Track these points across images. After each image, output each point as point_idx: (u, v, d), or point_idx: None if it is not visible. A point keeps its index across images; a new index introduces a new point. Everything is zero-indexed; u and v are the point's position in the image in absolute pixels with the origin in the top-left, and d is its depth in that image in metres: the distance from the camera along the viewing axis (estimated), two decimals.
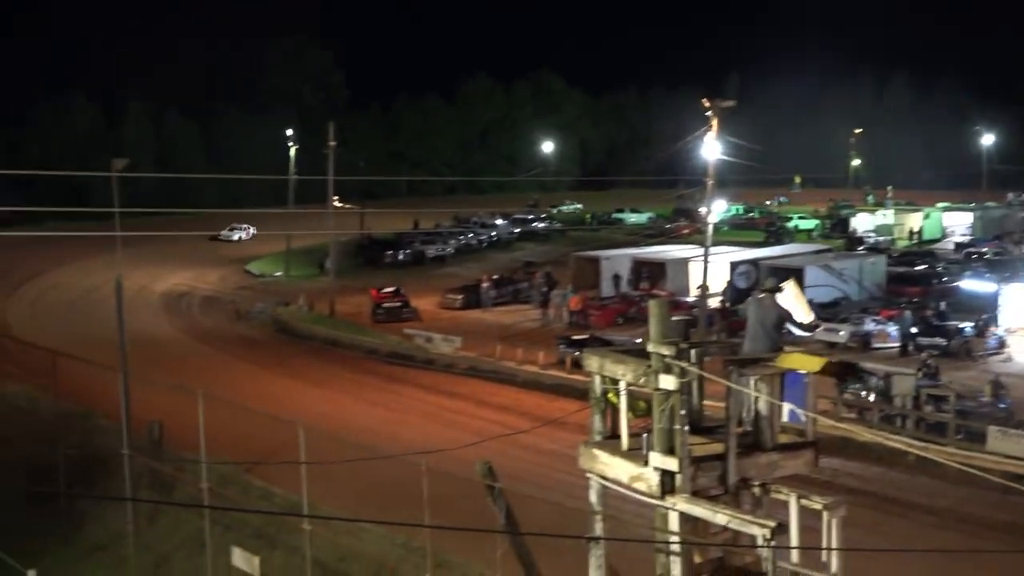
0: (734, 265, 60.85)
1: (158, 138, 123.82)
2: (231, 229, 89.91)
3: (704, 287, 47.79)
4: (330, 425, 29.32)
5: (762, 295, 14.91)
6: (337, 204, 69.90)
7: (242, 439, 25.45)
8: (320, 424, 26.93)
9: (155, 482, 25.10)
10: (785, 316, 14.38)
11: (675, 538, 13.09)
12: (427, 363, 47.10)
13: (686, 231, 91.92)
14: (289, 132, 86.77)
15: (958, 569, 20.85)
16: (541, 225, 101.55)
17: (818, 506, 12.84)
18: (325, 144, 64.86)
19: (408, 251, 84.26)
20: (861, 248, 77.87)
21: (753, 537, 12.44)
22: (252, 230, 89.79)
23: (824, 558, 12.65)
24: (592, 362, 14.20)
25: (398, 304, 58.06)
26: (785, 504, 13.17)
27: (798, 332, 15.24)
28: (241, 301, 65.23)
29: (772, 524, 11.96)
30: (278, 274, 77.92)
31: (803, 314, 14.83)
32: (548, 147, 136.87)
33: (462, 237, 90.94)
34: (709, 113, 42.02)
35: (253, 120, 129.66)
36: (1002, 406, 33.46)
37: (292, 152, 78.97)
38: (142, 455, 24.55)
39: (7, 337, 51.42)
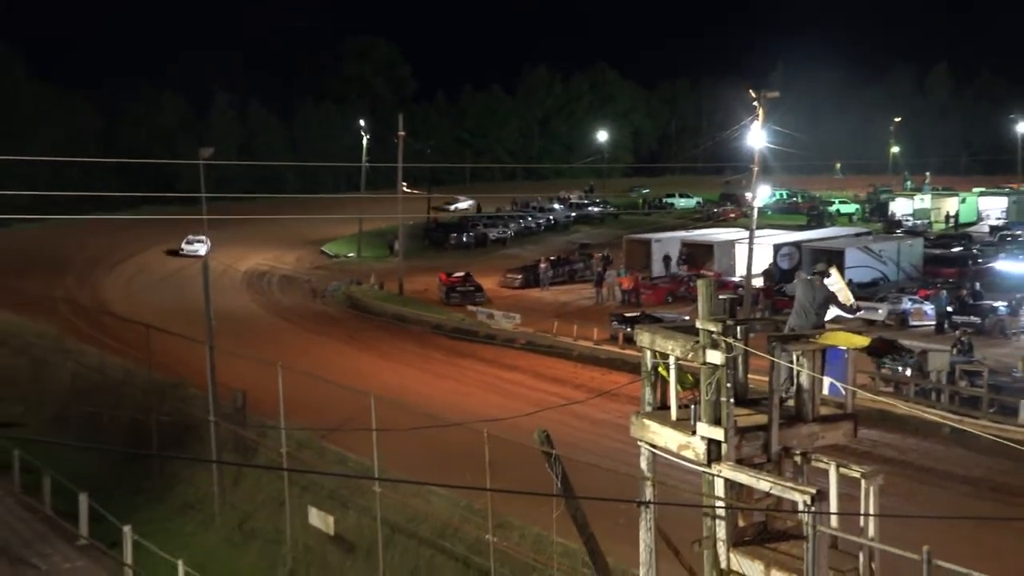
0: (777, 247, 60.38)
1: (242, 128, 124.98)
2: (189, 242, 73.03)
3: (768, 271, 47.34)
4: (399, 395, 29.54)
5: (811, 277, 14.84)
6: (406, 189, 70.23)
7: (318, 407, 25.69)
8: (389, 394, 27.15)
9: (239, 446, 25.44)
10: (831, 297, 14.32)
11: (720, 503, 13.07)
12: (488, 338, 47.25)
13: (732, 215, 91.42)
14: (361, 122, 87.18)
15: (992, 536, 20.63)
16: (596, 209, 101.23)
17: (857, 474, 12.76)
18: (395, 133, 65.27)
19: (471, 234, 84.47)
20: (899, 231, 77.01)
21: (794, 503, 12.38)
22: (208, 242, 69.92)
23: (862, 524, 12.57)
24: (643, 338, 14.18)
25: (471, 288, 57.88)
26: (825, 472, 13.10)
27: (842, 313, 15.17)
28: (317, 280, 65.86)
29: (812, 491, 11.90)
30: (351, 255, 78.57)
31: (846, 296, 14.74)
32: (603, 136, 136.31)
33: (523, 220, 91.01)
34: (755, 103, 41.71)
35: (329, 110, 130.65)
36: None
37: (364, 141, 79.40)
38: (227, 422, 24.86)
39: (106, 313, 52.33)
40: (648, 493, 14.04)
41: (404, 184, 68.82)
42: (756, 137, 43.15)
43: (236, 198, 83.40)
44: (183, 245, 73.24)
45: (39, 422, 31.72)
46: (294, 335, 48.40)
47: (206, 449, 24.49)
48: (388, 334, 49.25)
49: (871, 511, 12.55)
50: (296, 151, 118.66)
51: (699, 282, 13.57)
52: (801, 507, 11.99)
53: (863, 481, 12.68)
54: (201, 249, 69.78)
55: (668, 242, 67.55)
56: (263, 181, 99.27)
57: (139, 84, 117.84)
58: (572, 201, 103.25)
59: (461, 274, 60.32)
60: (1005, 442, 23.71)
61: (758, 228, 50.54)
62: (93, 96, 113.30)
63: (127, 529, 20.35)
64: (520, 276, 63.58)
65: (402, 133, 64.74)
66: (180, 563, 18.80)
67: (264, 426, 25.14)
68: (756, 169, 44.35)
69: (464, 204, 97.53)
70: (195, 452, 25.61)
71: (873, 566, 12.65)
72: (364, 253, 78.24)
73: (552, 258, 67.80)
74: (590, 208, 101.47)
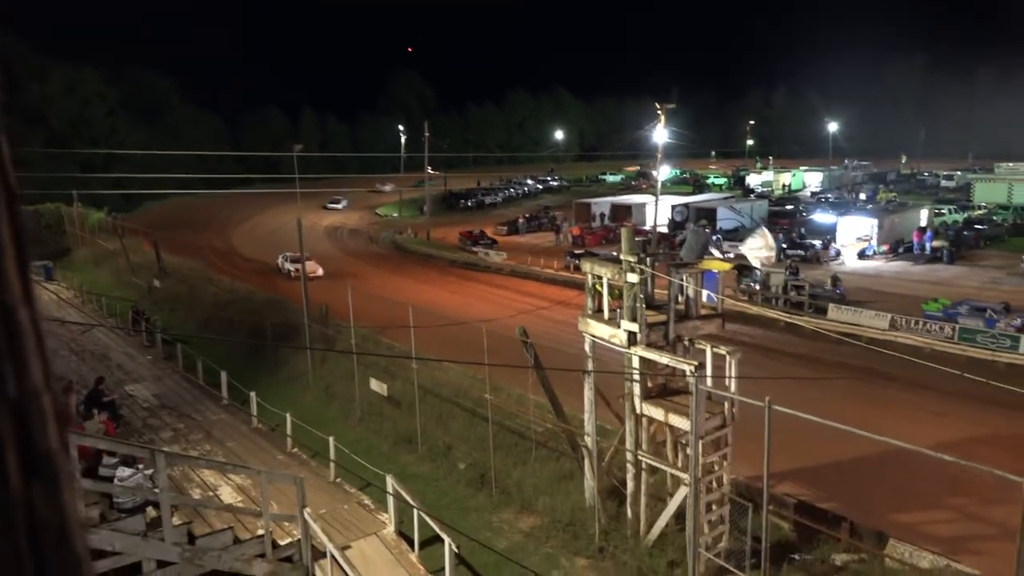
0: (674, 207, 60.22)
1: (321, 131, 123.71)
2: (285, 259, 44.77)
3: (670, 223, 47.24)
4: (427, 305, 29.56)
5: (697, 227, 14.85)
6: (430, 172, 69.65)
7: (375, 314, 25.72)
8: (421, 305, 27.13)
9: (324, 340, 25.48)
10: (708, 240, 14.33)
11: (636, 372, 13.17)
12: (485, 268, 47.17)
13: (644, 186, 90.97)
14: (400, 127, 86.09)
15: (809, 389, 20.91)
16: (555, 183, 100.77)
17: (724, 352, 12.86)
18: (422, 135, 64.50)
19: (474, 200, 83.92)
20: (752, 196, 76.85)
21: (683, 371, 12.49)
22: (318, 268, 41.78)
23: (727, 383, 12.71)
24: (587, 265, 14.19)
25: (489, 241, 55.01)
26: (703, 351, 13.20)
27: (715, 252, 15.20)
28: (373, 231, 65.42)
29: (695, 363, 12.00)
30: (395, 215, 77.91)
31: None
32: (559, 134, 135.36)
33: (508, 191, 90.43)
34: (658, 112, 41.20)
35: (379, 119, 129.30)
36: (838, 292, 33.41)
37: (402, 139, 78.40)
38: (316, 324, 24.88)
39: (235, 255, 52.01)
40: (589, 365, 14.14)
41: (429, 168, 68.23)
42: (659, 135, 42.72)
43: (318, 178, 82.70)
44: (282, 265, 44.85)
45: (193, 325, 31.71)
46: (358, 267, 48.18)
47: (302, 342, 24.54)
48: (420, 266, 49.09)
49: (732, 375, 12.68)
50: (357, 146, 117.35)
51: (622, 230, 13.55)
52: (688, 373, 12.11)
53: (728, 356, 12.79)
54: (291, 267, 41.71)
55: (602, 204, 67.31)
56: (335, 167, 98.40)
57: (253, 102, 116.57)
58: (540, 178, 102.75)
59: (478, 231, 58.17)
60: (819, 330, 23.89)
61: (661, 194, 50.28)
62: (225, 112, 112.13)
63: (252, 394, 20.46)
64: (506, 227, 63.22)
65: (427, 135, 63.92)
66: (288, 414, 18.94)
67: (340, 326, 25.15)
68: (659, 156, 43.94)
69: (342, 203, 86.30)
70: (295, 343, 25.66)
71: (734, 410, 12.82)
72: (404, 213, 77.57)
73: (527, 215, 67.42)
74: (551, 182, 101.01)
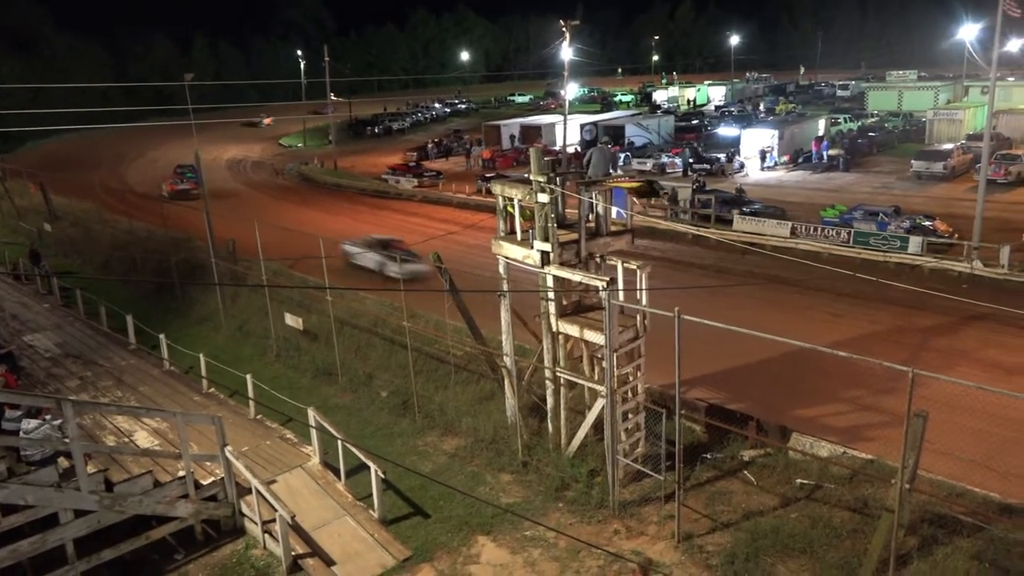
0: (583, 126, 60.22)
1: (214, 58, 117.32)
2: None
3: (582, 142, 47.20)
4: (340, 237, 28.99)
5: (601, 144, 14.90)
6: (333, 98, 67.27)
7: (285, 247, 25.05)
8: (333, 236, 26.62)
9: (234, 277, 24.73)
10: (614, 158, 14.44)
11: (551, 290, 13.36)
12: (397, 195, 46.43)
13: (553, 106, 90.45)
14: (299, 52, 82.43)
15: (717, 297, 21.71)
16: (463, 106, 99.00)
17: (634, 267, 13.15)
18: (322, 59, 61.97)
19: (381, 126, 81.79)
20: (659, 112, 77.51)
21: (596, 287, 12.74)
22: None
23: (638, 296, 13.04)
24: (497, 188, 14.14)
25: (433, 172, 50.65)
26: (614, 267, 13.46)
27: (615, 172, 15.35)
28: (277, 163, 63.18)
29: (607, 279, 12.25)
30: (300, 145, 75.30)
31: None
32: (465, 56, 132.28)
33: (415, 115, 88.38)
34: (564, 29, 40.69)
35: (275, 44, 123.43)
36: (768, 207, 34.13)
37: (302, 65, 75.16)
38: (224, 261, 24.11)
39: (130, 192, 49.48)
40: (505, 286, 14.25)
41: (332, 94, 65.86)
42: (565, 52, 42.32)
43: (213, 108, 78.85)
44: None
45: (91, 269, 30.28)
46: (264, 201, 46.58)
47: (211, 279, 23.78)
48: (329, 197, 47.82)
49: (643, 288, 13.02)
50: (254, 73, 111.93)
51: (531, 151, 13.49)
52: (600, 289, 12.36)
53: (638, 271, 13.09)
54: None
55: (512, 126, 66.73)
56: (232, 96, 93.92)
57: (138, 30, 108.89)
58: (447, 101, 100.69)
59: (413, 162, 54.21)
60: (725, 241, 24.68)
61: (570, 114, 50.15)
62: (106, 41, 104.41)
63: (162, 336, 19.81)
64: (415, 153, 62.02)
65: (327, 59, 61.45)
66: (201, 355, 18.48)
67: (249, 261, 24.45)
68: (566, 74, 43.67)
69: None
70: (204, 281, 24.83)
71: (645, 323, 13.21)
72: (308, 143, 75.07)
73: (436, 140, 66.30)
74: (459, 105, 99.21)
